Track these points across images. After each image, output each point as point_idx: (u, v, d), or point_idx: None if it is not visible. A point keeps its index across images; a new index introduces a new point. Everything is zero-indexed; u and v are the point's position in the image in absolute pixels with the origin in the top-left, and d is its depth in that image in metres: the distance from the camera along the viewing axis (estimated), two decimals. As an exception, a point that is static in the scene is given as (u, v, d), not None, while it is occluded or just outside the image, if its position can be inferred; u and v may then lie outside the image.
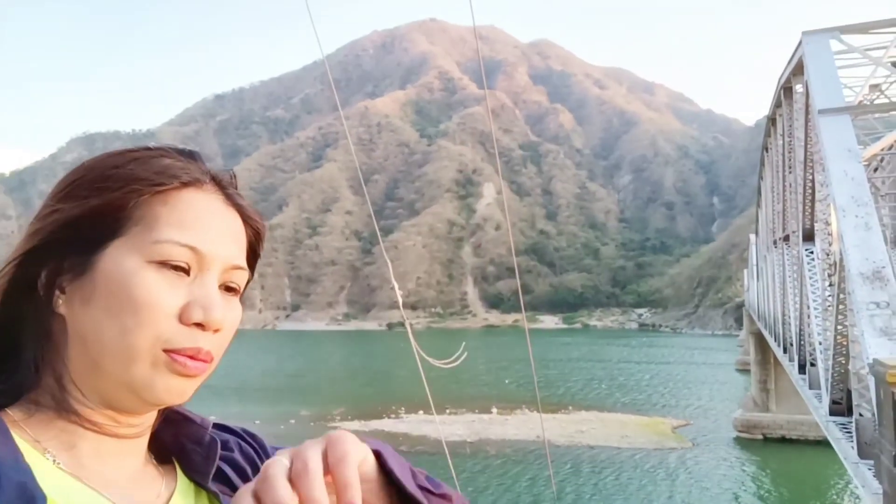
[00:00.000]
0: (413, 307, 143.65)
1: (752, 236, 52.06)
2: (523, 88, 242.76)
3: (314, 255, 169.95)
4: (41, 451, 0.66)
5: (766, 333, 31.28)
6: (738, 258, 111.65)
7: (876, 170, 25.15)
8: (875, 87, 18.58)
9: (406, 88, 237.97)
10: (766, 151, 29.92)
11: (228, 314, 0.74)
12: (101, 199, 0.70)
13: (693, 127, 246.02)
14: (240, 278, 0.77)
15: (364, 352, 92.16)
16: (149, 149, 0.76)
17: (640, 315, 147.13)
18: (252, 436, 0.90)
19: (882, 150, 14.02)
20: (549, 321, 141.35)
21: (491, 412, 39.73)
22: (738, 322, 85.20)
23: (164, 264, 0.69)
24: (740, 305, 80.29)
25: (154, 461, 0.80)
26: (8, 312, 0.71)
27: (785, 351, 21.58)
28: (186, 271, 0.71)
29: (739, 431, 33.27)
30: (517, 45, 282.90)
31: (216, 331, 0.71)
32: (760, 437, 32.31)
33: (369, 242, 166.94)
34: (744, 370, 51.20)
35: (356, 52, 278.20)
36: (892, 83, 18.86)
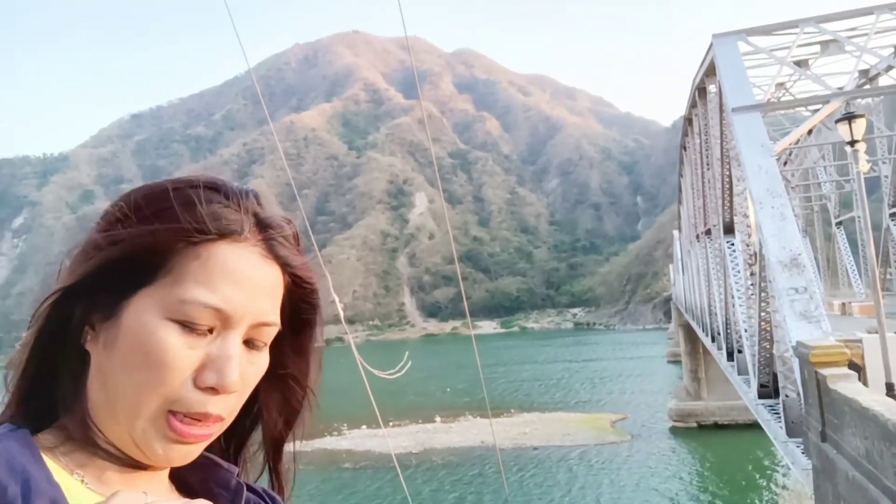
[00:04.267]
0: (350, 321, 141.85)
1: (676, 232, 54.20)
2: (449, 97, 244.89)
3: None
4: (69, 471, 0.67)
5: (693, 325, 32.49)
6: (664, 254, 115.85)
7: (785, 163, 26.69)
8: (780, 86, 19.74)
9: (332, 101, 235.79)
10: (685, 150, 31.21)
11: (249, 370, 0.73)
12: (137, 244, 0.69)
13: (614, 130, 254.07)
14: (267, 335, 0.75)
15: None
16: (198, 185, 0.73)
17: (575, 315, 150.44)
18: (272, 497, 0.87)
19: (790, 144, 14.85)
20: (488, 326, 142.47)
21: (434, 421, 39.62)
22: (667, 315, 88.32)
23: (186, 324, 0.68)
24: (668, 299, 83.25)
25: (176, 491, 0.80)
26: (46, 341, 0.71)
27: (713, 340, 22.44)
28: (210, 330, 0.69)
29: (674, 421, 34.33)
30: (441, 55, 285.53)
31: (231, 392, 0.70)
32: (695, 424, 33.44)
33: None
34: (675, 361, 52.99)
35: (278, 65, 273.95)
36: (795, 81, 20.09)
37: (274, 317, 0.75)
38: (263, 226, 0.75)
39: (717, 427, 32.65)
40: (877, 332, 7.75)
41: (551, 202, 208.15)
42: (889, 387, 7.34)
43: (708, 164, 21.02)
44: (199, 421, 0.68)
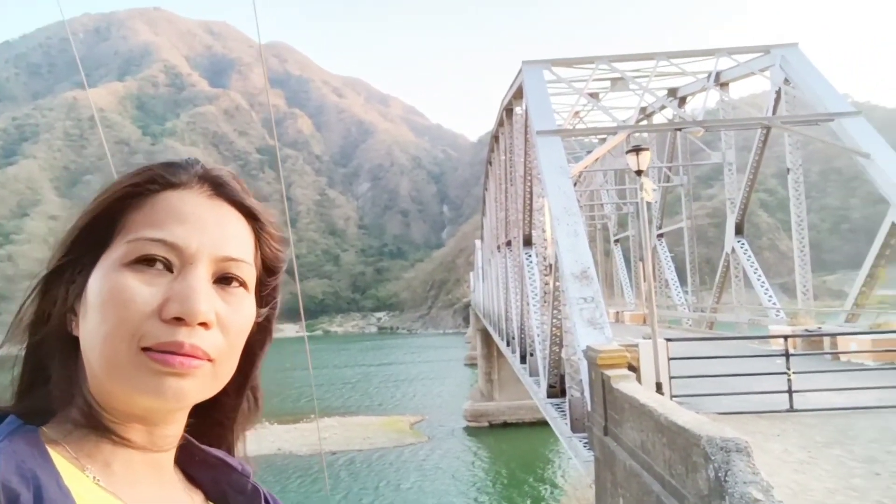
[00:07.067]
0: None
1: (478, 242, 57.35)
2: (259, 90, 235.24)
3: (6, 266, 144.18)
4: (80, 468, 0.66)
5: (490, 329, 34.55)
6: (465, 262, 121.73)
7: (575, 185, 29.48)
8: (576, 114, 21.85)
9: (125, 80, 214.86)
10: (490, 165, 33.14)
11: (227, 309, 0.70)
12: (91, 213, 0.72)
13: (425, 140, 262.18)
14: (239, 270, 0.73)
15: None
16: (143, 167, 0.75)
17: (379, 319, 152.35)
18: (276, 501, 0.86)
19: (584, 168, 16.49)
20: (290, 329, 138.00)
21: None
22: (466, 320, 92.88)
23: (140, 262, 0.68)
24: (467, 305, 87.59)
25: (185, 483, 0.79)
26: (38, 335, 0.72)
27: (508, 344, 24.02)
28: (168, 268, 0.68)
29: (469, 421, 36.25)
30: (252, 45, 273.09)
31: (204, 325, 0.67)
32: (486, 424, 35.61)
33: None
34: (472, 364, 55.92)
35: (62, 34, 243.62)
36: (588, 111, 22.36)
37: (239, 252, 0.73)
38: (209, 176, 0.75)
39: (507, 426, 35.04)
40: (650, 338, 8.89)
41: (361, 206, 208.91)
42: (658, 385, 8.46)
43: (511, 181, 22.51)
44: (176, 354, 0.66)
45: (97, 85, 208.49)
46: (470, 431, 35.26)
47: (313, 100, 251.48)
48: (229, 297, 0.71)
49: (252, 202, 0.77)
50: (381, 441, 34.00)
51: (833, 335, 13.44)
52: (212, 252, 0.70)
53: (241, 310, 0.72)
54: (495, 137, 27.98)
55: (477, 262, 58.72)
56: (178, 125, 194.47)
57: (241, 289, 0.73)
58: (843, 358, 12.93)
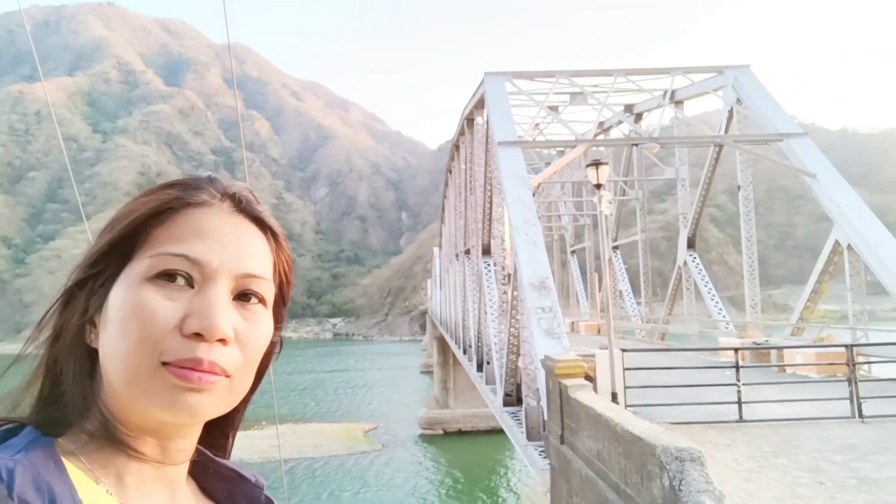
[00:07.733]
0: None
1: (436, 249, 57.48)
2: (216, 91, 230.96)
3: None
4: (94, 479, 0.67)
5: (447, 337, 34.61)
6: (423, 269, 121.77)
7: (534, 195, 29.88)
8: (536, 126, 22.16)
9: (75, 75, 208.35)
10: (450, 173, 33.26)
11: (245, 326, 0.71)
12: (110, 234, 0.73)
13: (384, 146, 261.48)
14: (259, 287, 0.73)
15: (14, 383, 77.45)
16: (167, 183, 0.76)
17: (335, 325, 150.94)
18: None
19: (544, 180, 16.70)
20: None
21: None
22: (423, 328, 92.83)
23: (161, 277, 0.69)
24: (424, 312, 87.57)
25: (198, 496, 0.80)
26: (57, 346, 0.73)
27: (465, 352, 24.08)
28: (189, 283, 0.69)
29: (423, 429, 36.16)
30: (209, 45, 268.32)
31: (222, 341, 0.68)
32: (441, 432, 35.58)
33: (22, 251, 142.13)
34: (428, 372, 55.77)
35: (9, 26, 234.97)
36: (548, 124, 22.70)
37: (259, 269, 0.74)
38: (229, 193, 0.77)
39: (462, 434, 35.06)
40: (607, 349, 9.04)
41: (318, 211, 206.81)
42: (613, 395, 8.61)
43: (471, 190, 22.62)
44: (194, 370, 0.67)
45: (45, 79, 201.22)
46: (424, 439, 35.14)
47: (271, 102, 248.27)
48: (248, 314, 0.72)
49: (272, 220, 0.78)
50: (334, 448, 33.59)
51: (780, 348, 13.90)
52: (232, 268, 0.71)
53: (260, 326, 0.73)
54: (456, 146, 28.10)
55: (435, 269, 58.81)
56: (130, 123, 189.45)
57: (260, 305, 0.74)
58: (789, 370, 13.40)
